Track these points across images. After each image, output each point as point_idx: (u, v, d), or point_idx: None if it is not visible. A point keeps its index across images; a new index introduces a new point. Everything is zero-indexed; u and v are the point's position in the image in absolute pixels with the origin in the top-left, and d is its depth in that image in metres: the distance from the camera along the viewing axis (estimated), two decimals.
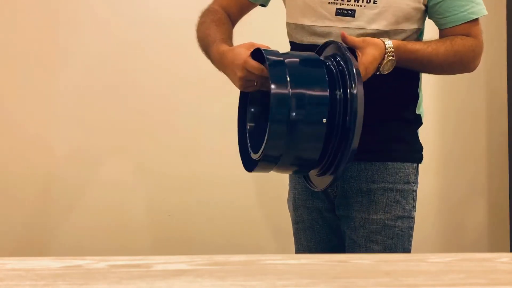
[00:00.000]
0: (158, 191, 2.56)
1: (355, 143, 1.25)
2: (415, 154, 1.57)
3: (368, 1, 1.44)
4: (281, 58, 1.30)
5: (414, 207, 1.55)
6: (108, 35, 2.54)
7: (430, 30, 1.56)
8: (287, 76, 1.26)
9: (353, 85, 1.25)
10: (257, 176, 2.50)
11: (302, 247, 1.65)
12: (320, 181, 1.42)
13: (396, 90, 1.50)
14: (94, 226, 2.51)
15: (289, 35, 1.58)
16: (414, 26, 1.48)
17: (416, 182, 1.56)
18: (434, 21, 1.53)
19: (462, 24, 1.48)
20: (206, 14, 1.58)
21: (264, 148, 1.28)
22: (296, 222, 1.65)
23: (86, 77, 2.54)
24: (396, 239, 1.50)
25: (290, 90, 1.25)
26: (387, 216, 1.49)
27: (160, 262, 0.79)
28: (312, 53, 1.39)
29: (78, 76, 2.53)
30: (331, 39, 1.44)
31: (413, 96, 1.56)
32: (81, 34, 2.53)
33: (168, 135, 2.57)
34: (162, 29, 2.56)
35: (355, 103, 1.24)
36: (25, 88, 2.51)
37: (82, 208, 2.52)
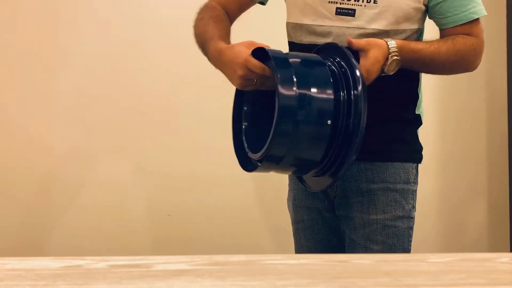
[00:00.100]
0: (158, 191, 2.56)
1: (358, 148, 1.26)
2: (415, 154, 1.57)
3: (368, 0, 1.44)
4: (287, 58, 1.30)
5: (414, 207, 1.55)
6: (108, 35, 2.54)
7: (430, 30, 1.56)
8: (294, 77, 1.26)
9: (358, 88, 1.26)
10: (257, 176, 2.50)
11: (302, 247, 1.65)
12: (316, 182, 1.42)
13: (397, 90, 1.50)
14: (94, 226, 2.51)
15: (288, 34, 1.58)
16: (414, 26, 1.48)
17: (416, 182, 1.56)
18: (435, 21, 1.53)
19: (463, 24, 1.48)
20: (204, 11, 1.57)
21: (268, 148, 1.28)
22: (296, 222, 1.65)
23: (86, 77, 2.54)
24: (396, 239, 1.50)
25: (297, 91, 1.25)
26: (387, 216, 1.49)
27: (160, 262, 0.79)
28: (315, 54, 1.39)
29: (78, 76, 2.53)
30: (330, 41, 1.45)
31: (413, 96, 1.56)
32: (81, 34, 2.53)
33: (168, 135, 2.57)
34: (162, 29, 2.56)
35: (359, 107, 1.25)
36: (25, 88, 2.51)
37: (82, 208, 2.52)
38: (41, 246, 2.51)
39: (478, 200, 2.79)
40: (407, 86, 1.54)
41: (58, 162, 2.52)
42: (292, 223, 1.67)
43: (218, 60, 1.41)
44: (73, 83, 2.53)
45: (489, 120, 2.79)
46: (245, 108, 1.45)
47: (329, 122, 1.27)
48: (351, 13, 1.45)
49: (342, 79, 1.30)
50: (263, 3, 1.64)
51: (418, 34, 1.52)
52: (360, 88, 1.26)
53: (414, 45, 1.44)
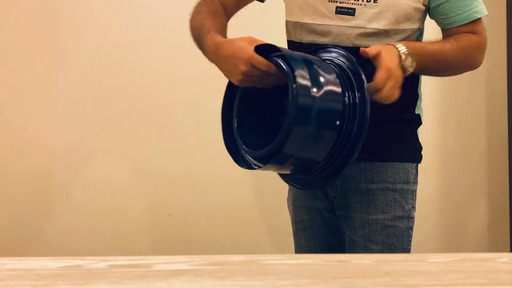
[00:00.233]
0: (158, 191, 2.56)
1: (357, 151, 1.27)
2: (414, 154, 1.57)
3: (368, 0, 1.44)
4: (303, 58, 1.30)
5: (413, 207, 1.54)
6: (107, 35, 2.54)
7: (431, 30, 1.56)
8: (309, 77, 1.25)
9: (365, 92, 1.27)
10: (257, 176, 2.50)
11: (302, 247, 1.65)
12: (305, 182, 1.42)
13: None
14: (94, 226, 2.51)
15: (287, 33, 1.57)
16: (414, 26, 1.48)
17: (415, 182, 1.55)
18: (437, 22, 1.53)
19: (466, 23, 1.48)
20: (202, 4, 1.56)
21: (280, 148, 1.26)
22: (295, 222, 1.65)
23: (85, 77, 2.54)
24: (395, 239, 1.49)
25: (313, 92, 1.25)
26: (386, 216, 1.49)
27: (160, 262, 0.79)
28: (317, 57, 1.39)
29: (77, 76, 2.53)
30: (330, 40, 1.45)
31: (413, 96, 1.56)
32: (81, 34, 2.53)
33: (168, 135, 2.57)
34: (161, 29, 2.56)
35: (366, 113, 1.26)
36: (24, 88, 2.51)
37: (82, 208, 2.52)
38: (41, 246, 2.51)
39: (478, 200, 2.79)
40: (407, 86, 1.53)
41: (57, 162, 2.52)
42: (292, 223, 1.67)
43: (215, 54, 1.39)
44: (73, 83, 2.53)
45: (489, 120, 2.79)
46: (236, 104, 1.42)
47: (337, 122, 1.27)
48: (351, 12, 1.45)
49: (347, 82, 1.30)
50: (261, 0, 1.63)
51: (418, 34, 1.52)
52: (366, 94, 1.27)
53: (418, 43, 1.45)
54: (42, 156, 2.52)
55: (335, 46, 1.41)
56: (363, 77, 1.29)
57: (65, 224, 2.51)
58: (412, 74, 1.40)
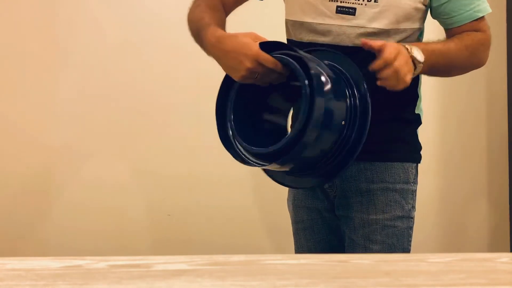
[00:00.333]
0: (158, 191, 2.56)
1: (356, 154, 1.27)
2: (414, 154, 1.57)
3: None
4: (314, 58, 1.30)
5: (413, 207, 1.54)
6: (107, 36, 2.54)
7: (431, 30, 1.56)
8: (324, 78, 1.25)
9: (365, 92, 1.27)
10: (256, 176, 2.50)
11: (302, 247, 1.64)
12: (293, 180, 1.42)
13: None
14: (94, 226, 2.51)
15: (287, 32, 1.57)
16: (414, 25, 1.48)
17: (415, 182, 1.55)
18: (439, 21, 1.52)
19: (468, 22, 1.48)
20: None
21: (292, 149, 1.26)
22: (295, 222, 1.65)
23: (85, 77, 2.54)
24: (395, 239, 1.49)
25: (326, 92, 1.25)
26: (386, 216, 1.49)
27: (160, 262, 0.79)
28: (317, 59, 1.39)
29: (77, 76, 2.53)
30: (330, 39, 1.45)
31: (413, 96, 1.56)
32: (80, 34, 2.53)
33: (168, 135, 2.57)
34: (161, 29, 2.56)
35: (368, 118, 1.26)
36: (24, 88, 2.51)
37: (82, 208, 2.52)
38: (41, 246, 2.51)
39: (478, 200, 2.79)
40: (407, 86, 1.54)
41: (57, 162, 2.52)
42: (292, 223, 1.67)
43: (216, 48, 1.36)
44: (72, 83, 2.53)
45: (489, 120, 2.79)
46: (238, 99, 1.40)
47: (343, 122, 1.27)
48: (351, 11, 1.44)
49: (347, 83, 1.31)
50: None
51: (418, 34, 1.52)
52: (367, 94, 1.27)
53: (421, 43, 1.46)
54: (42, 156, 2.52)
55: (328, 48, 1.41)
56: (362, 77, 1.29)
57: (65, 224, 2.51)
58: (419, 73, 1.40)
